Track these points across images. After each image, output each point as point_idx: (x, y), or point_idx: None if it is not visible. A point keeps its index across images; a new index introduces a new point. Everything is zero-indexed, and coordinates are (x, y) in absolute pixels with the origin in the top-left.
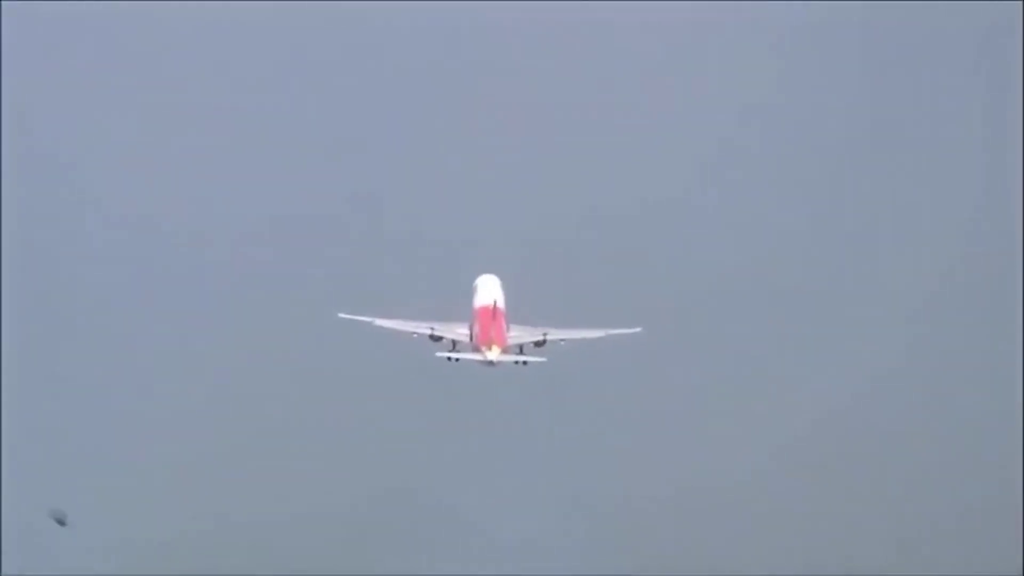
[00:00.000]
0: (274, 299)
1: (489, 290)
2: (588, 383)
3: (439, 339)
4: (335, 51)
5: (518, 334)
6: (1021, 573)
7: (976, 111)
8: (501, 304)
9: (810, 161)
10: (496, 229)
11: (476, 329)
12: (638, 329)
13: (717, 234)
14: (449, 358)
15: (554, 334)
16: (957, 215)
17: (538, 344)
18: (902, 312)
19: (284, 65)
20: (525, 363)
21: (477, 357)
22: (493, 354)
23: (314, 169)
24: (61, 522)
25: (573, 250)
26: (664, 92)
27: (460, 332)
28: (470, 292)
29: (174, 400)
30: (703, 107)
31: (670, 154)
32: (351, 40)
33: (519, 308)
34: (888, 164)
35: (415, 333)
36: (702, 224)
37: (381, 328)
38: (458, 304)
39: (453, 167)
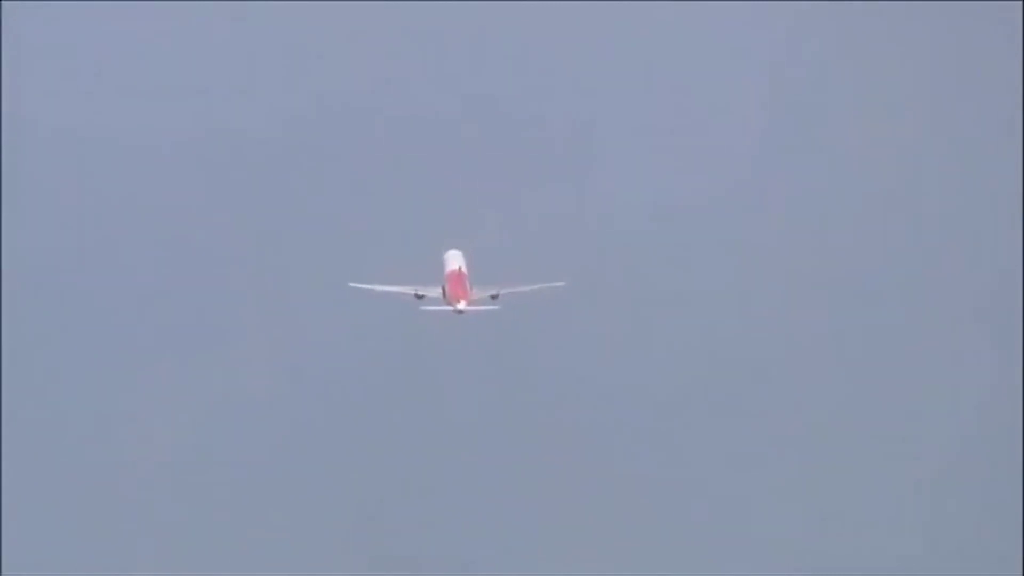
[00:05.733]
0: (286, 273)
1: (455, 259)
2: (530, 326)
3: (422, 297)
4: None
5: (477, 291)
6: (1021, 573)
7: (976, 111)
8: (465, 270)
9: (798, 154)
10: (457, 214)
11: (447, 288)
12: (562, 283)
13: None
14: (430, 308)
15: (504, 289)
16: (955, 215)
17: (493, 297)
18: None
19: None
20: (492, 298)
21: (449, 308)
22: (461, 305)
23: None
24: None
25: (521, 225)
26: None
27: (435, 292)
28: (441, 263)
29: (180, 392)
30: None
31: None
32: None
33: (477, 273)
34: (885, 163)
35: (404, 294)
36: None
37: (381, 292)
38: (433, 272)
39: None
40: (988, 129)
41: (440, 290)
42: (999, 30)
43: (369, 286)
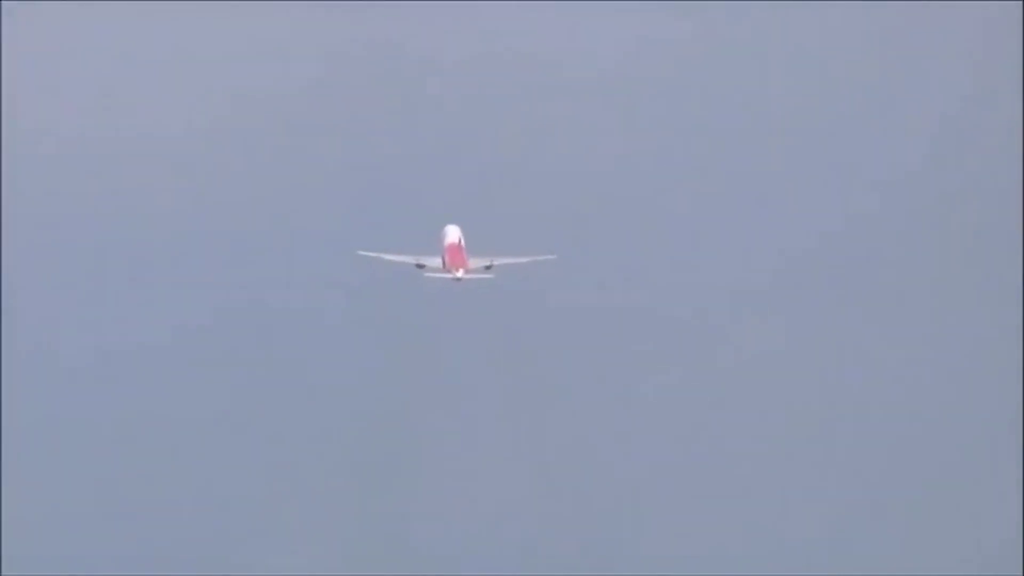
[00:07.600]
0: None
1: (453, 233)
2: (523, 294)
3: (422, 266)
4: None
5: (474, 261)
6: (1021, 573)
7: (976, 111)
8: (463, 242)
9: (794, 153)
10: (455, 189)
11: (447, 258)
12: (553, 256)
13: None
14: (432, 275)
15: (498, 260)
16: (954, 215)
17: (487, 267)
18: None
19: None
20: (487, 268)
21: (448, 276)
22: (460, 273)
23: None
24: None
25: (515, 203)
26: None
27: (436, 261)
28: (440, 236)
29: (178, 384)
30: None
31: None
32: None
33: (473, 244)
34: (884, 163)
35: (406, 263)
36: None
37: (388, 260)
38: (432, 243)
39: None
40: (988, 129)
41: (439, 260)
42: (999, 30)
43: (376, 254)
